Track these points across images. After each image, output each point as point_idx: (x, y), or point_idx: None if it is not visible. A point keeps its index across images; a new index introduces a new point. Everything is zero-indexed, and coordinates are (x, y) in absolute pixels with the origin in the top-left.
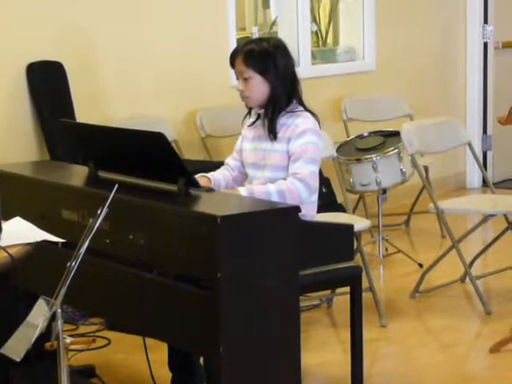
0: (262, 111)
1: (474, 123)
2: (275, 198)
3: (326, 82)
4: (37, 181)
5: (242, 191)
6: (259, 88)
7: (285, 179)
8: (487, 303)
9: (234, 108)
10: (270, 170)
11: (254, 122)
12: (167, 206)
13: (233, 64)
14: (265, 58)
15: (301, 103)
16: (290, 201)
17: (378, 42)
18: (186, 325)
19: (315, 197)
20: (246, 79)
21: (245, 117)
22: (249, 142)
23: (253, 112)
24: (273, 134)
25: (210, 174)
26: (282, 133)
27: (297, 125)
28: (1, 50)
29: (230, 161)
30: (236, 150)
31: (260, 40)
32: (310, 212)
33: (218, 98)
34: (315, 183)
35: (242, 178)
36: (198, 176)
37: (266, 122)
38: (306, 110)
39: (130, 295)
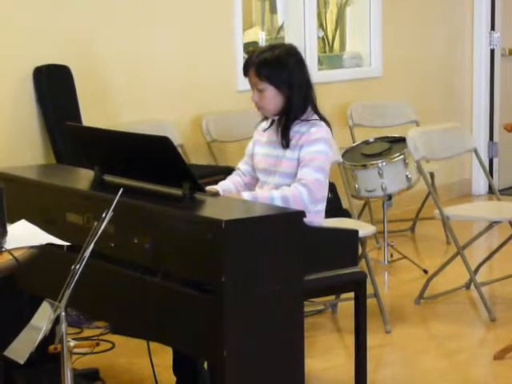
0: (276, 118)
1: (480, 130)
2: (279, 204)
3: (332, 88)
4: (42, 184)
5: (246, 196)
6: (274, 99)
7: None
8: (492, 310)
9: (241, 113)
10: (281, 176)
11: (268, 127)
12: (172, 210)
13: (246, 74)
14: (278, 68)
15: (315, 111)
16: (294, 206)
17: (385, 48)
18: (190, 329)
19: (323, 205)
20: (260, 91)
21: (261, 121)
22: (261, 147)
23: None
24: (285, 141)
25: (219, 186)
26: (294, 140)
27: (310, 133)
28: (8, 53)
29: (241, 165)
30: (247, 154)
31: (273, 48)
32: (317, 220)
33: (224, 103)
34: (320, 191)
35: (254, 182)
36: (207, 188)
37: (279, 129)
38: (321, 118)
39: (135, 299)
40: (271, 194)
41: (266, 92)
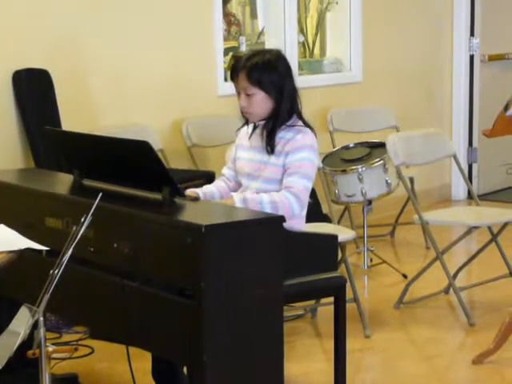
0: (261, 123)
1: (460, 135)
2: (268, 209)
3: (312, 93)
4: (21, 188)
5: (236, 198)
6: (263, 104)
7: (277, 191)
8: (471, 315)
9: (221, 118)
10: (264, 181)
11: (252, 132)
12: (152, 215)
13: (233, 78)
14: (269, 72)
15: (300, 117)
16: (282, 213)
17: (365, 54)
18: (169, 334)
19: (304, 211)
20: (249, 95)
21: (241, 127)
22: (244, 151)
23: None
24: (270, 147)
25: (201, 189)
26: (280, 146)
27: (296, 140)
28: None
29: (225, 171)
30: (230, 159)
31: (262, 52)
32: (298, 225)
33: (204, 108)
34: (306, 198)
35: (239, 187)
36: (188, 191)
37: (264, 134)
38: (306, 124)
39: (114, 304)
40: (261, 198)
41: (256, 97)
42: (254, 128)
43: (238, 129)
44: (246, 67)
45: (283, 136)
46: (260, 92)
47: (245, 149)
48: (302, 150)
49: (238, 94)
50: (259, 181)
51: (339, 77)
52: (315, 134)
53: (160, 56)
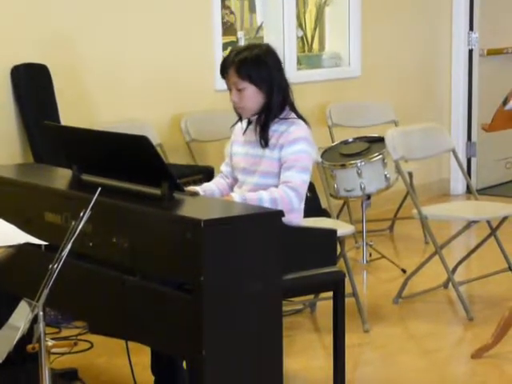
0: (254, 117)
1: (459, 130)
2: (268, 205)
3: (311, 88)
4: (20, 183)
5: (236, 198)
6: (254, 98)
7: (275, 186)
8: (470, 309)
9: (219, 112)
10: (261, 176)
11: (245, 129)
12: (151, 210)
13: (223, 73)
14: (258, 67)
15: (293, 109)
16: (282, 209)
17: (364, 48)
18: (168, 328)
19: (302, 204)
20: (240, 90)
21: (235, 123)
22: (240, 146)
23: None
24: (264, 140)
25: (201, 187)
26: (274, 139)
27: (290, 132)
28: None
29: (223, 168)
30: (227, 155)
31: (251, 47)
32: (296, 219)
33: (203, 102)
34: (305, 191)
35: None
36: (188, 189)
37: (258, 128)
38: (299, 116)
39: (113, 298)
40: (261, 196)
41: (247, 91)
42: (249, 123)
43: (233, 125)
44: (235, 63)
45: (277, 129)
46: (250, 86)
47: (240, 144)
48: (297, 142)
49: (230, 89)
50: (256, 175)
51: (338, 71)
52: (309, 126)
53: (158, 51)
